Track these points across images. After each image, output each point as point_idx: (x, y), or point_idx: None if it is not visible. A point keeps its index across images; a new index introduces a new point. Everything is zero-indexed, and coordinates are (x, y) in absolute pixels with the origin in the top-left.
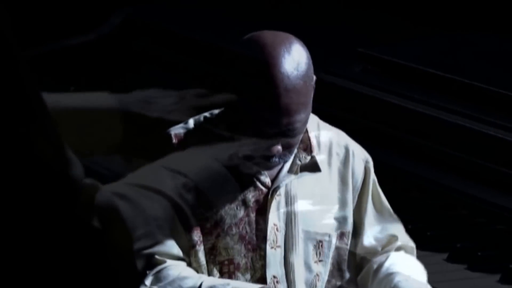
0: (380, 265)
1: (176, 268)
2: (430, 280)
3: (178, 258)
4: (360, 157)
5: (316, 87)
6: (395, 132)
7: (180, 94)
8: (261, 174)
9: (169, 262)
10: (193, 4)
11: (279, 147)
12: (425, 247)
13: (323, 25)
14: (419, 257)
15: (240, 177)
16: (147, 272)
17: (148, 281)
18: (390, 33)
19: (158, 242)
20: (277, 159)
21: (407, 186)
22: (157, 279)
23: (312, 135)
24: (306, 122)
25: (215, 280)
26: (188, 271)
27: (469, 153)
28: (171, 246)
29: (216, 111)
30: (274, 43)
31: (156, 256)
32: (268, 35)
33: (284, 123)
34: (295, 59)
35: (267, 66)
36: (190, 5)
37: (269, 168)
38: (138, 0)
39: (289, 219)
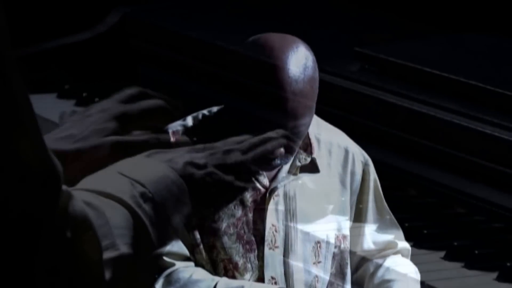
0: (377, 269)
1: (186, 271)
2: (427, 278)
3: (186, 258)
4: (360, 159)
5: None
6: (392, 131)
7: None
8: (259, 174)
9: (178, 264)
10: (190, 4)
11: (282, 150)
12: (422, 245)
13: (321, 24)
14: (416, 256)
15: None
16: (156, 275)
17: (158, 285)
18: (387, 32)
19: (122, 253)
20: (278, 161)
21: (404, 184)
22: (168, 282)
23: (312, 135)
24: (309, 124)
25: (229, 282)
26: (199, 273)
27: (466, 152)
28: (179, 246)
29: (214, 109)
30: (282, 46)
31: (165, 258)
32: (276, 38)
33: (290, 127)
34: (302, 63)
35: (275, 70)
36: (187, 4)
37: (269, 169)
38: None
39: (288, 220)
